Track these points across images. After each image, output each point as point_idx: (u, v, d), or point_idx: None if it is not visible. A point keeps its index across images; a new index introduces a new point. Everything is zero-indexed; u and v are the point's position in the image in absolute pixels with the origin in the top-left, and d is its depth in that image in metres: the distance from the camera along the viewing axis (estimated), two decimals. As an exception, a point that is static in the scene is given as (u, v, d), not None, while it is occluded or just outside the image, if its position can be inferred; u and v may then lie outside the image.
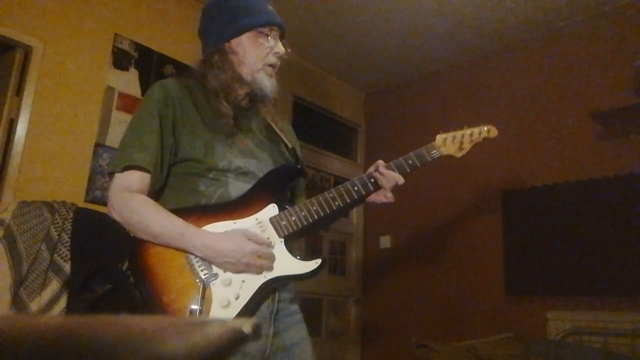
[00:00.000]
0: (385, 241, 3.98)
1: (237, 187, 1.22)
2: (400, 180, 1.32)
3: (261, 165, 1.28)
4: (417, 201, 3.70)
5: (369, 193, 1.33)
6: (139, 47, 3.03)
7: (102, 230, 2.24)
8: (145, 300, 1.12)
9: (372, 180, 1.32)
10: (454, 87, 3.91)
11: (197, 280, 1.12)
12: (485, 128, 1.45)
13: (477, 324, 3.28)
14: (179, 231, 1.12)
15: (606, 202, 2.91)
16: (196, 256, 1.14)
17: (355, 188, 1.30)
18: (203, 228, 1.17)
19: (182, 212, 1.16)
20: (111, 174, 1.19)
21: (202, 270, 1.13)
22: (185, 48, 3.26)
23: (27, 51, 2.59)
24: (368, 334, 3.96)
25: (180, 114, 1.22)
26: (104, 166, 2.77)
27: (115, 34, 2.94)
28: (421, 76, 4.13)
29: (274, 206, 1.22)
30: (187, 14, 3.32)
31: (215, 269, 1.14)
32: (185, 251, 1.14)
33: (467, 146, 1.43)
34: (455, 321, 3.42)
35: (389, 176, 1.31)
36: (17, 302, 1.96)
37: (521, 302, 3.16)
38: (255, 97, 1.32)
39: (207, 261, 1.14)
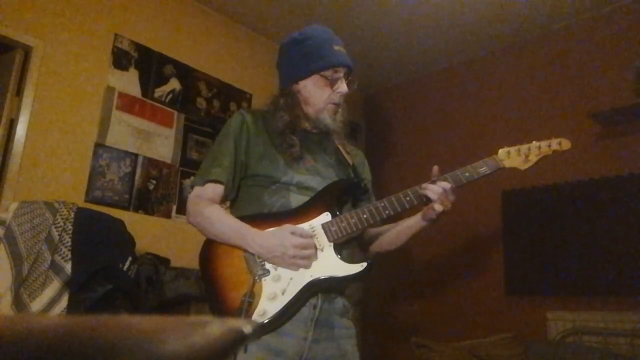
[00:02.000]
0: (386, 241, 3.98)
1: (298, 199, 1.36)
2: (447, 185, 1.33)
3: (326, 182, 1.40)
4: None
5: (422, 204, 1.37)
6: (139, 47, 3.03)
7: (103, 231, 2.25)
8: (207, 291, 1.31)
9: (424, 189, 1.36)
10: (454, 87, 3.91)
11: (250, 275, 1.27)
12: (557, 141, 1.38)
13: (477, 324, 3.28)
14: (236, 231, 1.30)
15: (606, 202, 2.90)
16: (252, 254, 1.28)
17: (407, 198, 1.35)
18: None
19: (246, 219, 1.33)
20: (192, 187, 1.40)
21: (255, 267, 1.28)
22: (185, 48, 3.27)
23: (27, 51, 2.60)
24: (368, 334, 3.96)
25: (252, 138, 1.41)
26: (103, 166, 2.77)
27: (115, 34, 2.94)
28: (421, 76, 4.13)
29: (327, 214, 1.34)
30: (187, 13, 3.32)
31: (267, 266, 1.28)
32: (242, 249, 1.29)
33: (533, 158, 1.38)
34: (455, 321, 3.42)
35: (433, 188, 1.33)
36: (18, 302, 1.96)
37: (521, 302, 3.16)
38: (321, 130, 1.46)
39: (261, 258, 1.28)
